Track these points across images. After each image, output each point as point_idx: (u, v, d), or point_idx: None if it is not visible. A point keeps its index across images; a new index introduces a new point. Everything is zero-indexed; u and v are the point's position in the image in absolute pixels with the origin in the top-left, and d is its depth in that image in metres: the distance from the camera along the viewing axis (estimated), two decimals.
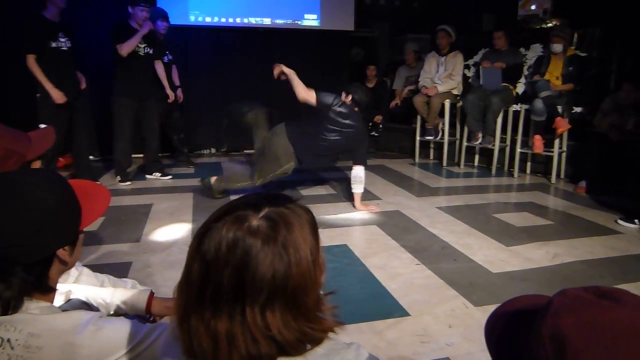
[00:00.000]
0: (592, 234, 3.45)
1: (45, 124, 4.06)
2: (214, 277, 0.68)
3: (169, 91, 5.06)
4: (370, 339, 2.04)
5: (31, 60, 4.05)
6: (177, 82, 5.46)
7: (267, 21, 6.51)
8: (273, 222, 0.71)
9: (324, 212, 3.88)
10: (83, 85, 4.52)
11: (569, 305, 0.59)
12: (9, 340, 0.86)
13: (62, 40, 4.21)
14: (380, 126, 6.67)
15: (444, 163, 5.90)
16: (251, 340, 0.68)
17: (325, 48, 6.85)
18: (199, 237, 0.72)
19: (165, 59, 5.23)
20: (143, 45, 4.69)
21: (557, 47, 4.88)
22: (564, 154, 5.11)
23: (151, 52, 4.77)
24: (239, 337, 0.68)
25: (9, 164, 1.36)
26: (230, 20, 6.38)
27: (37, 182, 0.92)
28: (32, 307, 0.90)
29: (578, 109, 5.25)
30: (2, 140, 1.37)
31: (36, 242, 0.90)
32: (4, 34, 5.05)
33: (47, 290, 0.96)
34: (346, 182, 4.96)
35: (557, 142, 4.96)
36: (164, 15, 5.13)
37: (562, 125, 4.81)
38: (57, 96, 4.12)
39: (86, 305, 1.23)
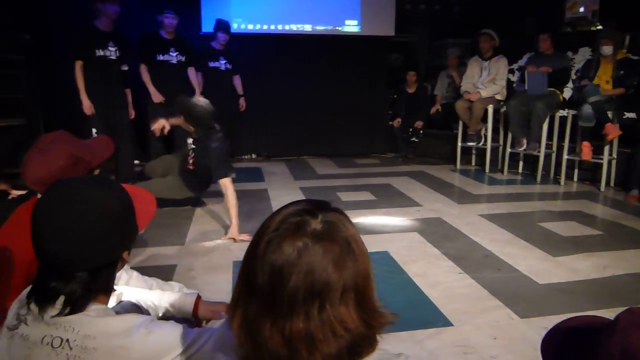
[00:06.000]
0: None
1: (95, 128, 4.25)
2: (287, 284, 0.70)
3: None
4: (411, 349, 2.02)
5: (77, 67, 4.22)
6: (240, 91, 5.61)
7: (307, 27, 6.56)
8: (332, 224, 0.75)
9: (363, 218, 3.88)
10: (130, 112, 4.66)
11: (638, 322, 0.58)
12: (67, 341, 0.90)
13: (112, 49, 4.35)
14: (421, 131, 6.61)
15: (487, 169, 5.78)
16: (332, 336, 0.70)
17: (364, 54, 6.86)
18: (264, 249, 0.73)
19: (223, 67, 5.37)
20: (175, 54, 4.83)
21: (607, 50, 4.70)
22: (614, 161, 4.92)
23: (183, 59, 4.91)
24: (319, 335, 0.70)
25: (77, 171, 1.44)
26: (272, 27, 6.47)
27: (102, 189, 0.97)
28: (89, 308, 0.94)
29: (630, 115, 5.04)
30: (71, 148, 1.44)
31: (106, 246, 0.95)
32: (63, 42, 5.26)
33: (111, 291, 1.01)
34: (384, 188, 4.94)
35: (606, 148, 4.77)
36: (225, 28, 5.29)
37: (613, 131, 4.62)
38: (87, 107, 4.26)
39: (137, 308, 1.27)
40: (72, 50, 4.26)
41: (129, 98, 4.65)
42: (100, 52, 4.30)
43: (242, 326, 0.74)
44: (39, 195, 1.43)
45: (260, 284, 0.72)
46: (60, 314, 0.91)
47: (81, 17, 4.47)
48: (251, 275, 0.73)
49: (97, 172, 1.57)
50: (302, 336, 0.69)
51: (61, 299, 0.91)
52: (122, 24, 4.64)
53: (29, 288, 0.97)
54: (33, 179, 1.41)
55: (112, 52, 4.36)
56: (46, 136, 1.49)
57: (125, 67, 4.52)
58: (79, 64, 4.23)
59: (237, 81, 5.57)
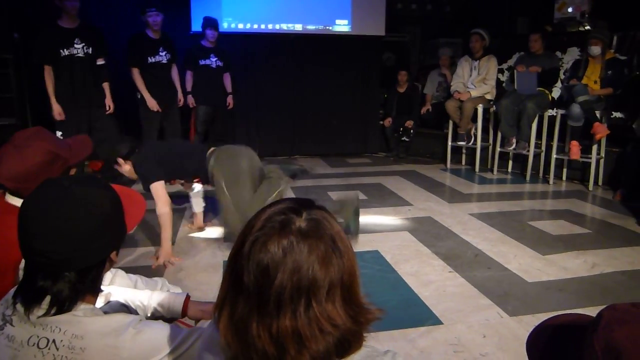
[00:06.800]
0: (633, 244, 3.33)
1: (60, 131, 4.13)
2: (274, 282, 0.70)
3: (180, 95, 5.09)
4: (403, 347, 2.03)
5: (45, 72, 4.12)
6: (229, 89, 5.57)
7: (298, 27, 6.54)
8: (317, 222, 0.75)
9: None
10: (108, 105, 4.46)
11: (620, 318, 0.58)
12: (54, 341, 0.89)
13: (78, 46, 4.20)
14: (412, 131, 6.62)
15: (477, 169, 5.81)
16: (319, 333, 0.70)
17: (356, 53, 6.85)
18: (249, 248, 0.72)
19: (214, 64, 5.34)
20: (164, 53, 4.79)
21: (595, 50, 4.74)
22: (602, 160, 4.97)
23: (170, 57, 4.86)
24: (307, 333, 0.70)
25: (54, 168, 1.41)
26: (262, 26, 6.44)
27: (92, 188, 0.96)
28: (77, 308, 0.93)
29: (617, 114, 5.09)
30: (48, 145, 1.41)
31: (96, 246, 0.94)
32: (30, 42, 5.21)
33: (99, 292, 0.99)
34: (376, 188, 4.95)
35: (595, 148, 4.81)
36: (213, 25, 5.24)
37: (601, 130, 4.66)
38: (57, 112, 4.16)
39: (125, 308, 1.26)
40: (37, 54, 4.15)
41: (107, 91, 4.45)
42: (65, 52, 4.15)
43: (229, 326, 0.73)
44: (7, 196, 1.40)
45: (247, 284, 0.71)
46: (46, 314, 0.90)
47: (48, 15, 4.33)
48: (237, 274, 0.73)
49: (73, 170, 1.54)
50: (290, 334, 0.69)
51: (47, 298, 0.90)
52: (114, 25, 4.58)
53: (14, 288, 0.96)
54: (8, 176, 1.36)
55: (78, 49, 4.20)
56: (22, 132, 1.44)
57: (100, 62, 4.38)
58: (47, 69, 4.12)
59: (227, 79, 5.54)
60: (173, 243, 3.28)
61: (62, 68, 4.18)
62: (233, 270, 0.74)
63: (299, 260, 0.70)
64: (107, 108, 4.46)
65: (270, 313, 0.70)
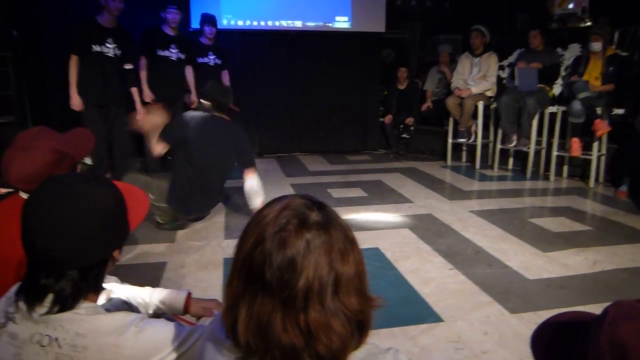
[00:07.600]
0: (635, 241, 3.32)
1: (82, 126, 4.16)
2: (301, 276, 0.70)
3: (193, 97, 5.09)
4: (404, 344, 2.03)
5: (71, 61, 4.13)
6: None
7: (298, 24, 6.53)
8: (329, 215, 0.77)
9: (355, 215, 3.88)
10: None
11: (626, 314, 0.59)
12: (57, 339, 0.89)
13: (110, 46, 4.24)
14: (412, 128, 6.61)
15: (477, 166, 5.80)
16: (345, 318, 0.72)
17: (356, 50, 6.84)
18: (270, 245, 0.72)
19: (212, 62, 5.33)
20: (175, 51, 4.79)
21: (596, 46, 4.73)
22: (603, 157, 4.96)
23: (183, 57, 4.86)
24: (334, 321, 0.71)
25: (63, 167, 1.41)
26: (262, 23, 6.43)
27: (95, 186, 0.95)
28: (79, 306, 0.93)
29: (619, 111, 5.08)
30: (54, 143, 1.41)
31: (99, 245, 0.93)
32: (52, 40, 5.19)
33: (101, 290, 0.99)
34: (376, 185, 4.94)
35: (596, 144, 4.81)
36: (211, 21, 5.23)
37: (602, 127, 4.66)
38: (75, 103, 4.17)
39: (127, 305, 1.26)
40: (69, 44, 4.18)
41: (136, 97, 4.54)
42: (97, 48, 4.19)
43: (248, 325, 0.73)
44: (21, 193, 1.40)
45: (270, 280, 0.71)
46: (49, 312, 0.90)
47: (74, 13, 4.37)
48: (255, 272, 0.73)
49: (79, 167, 1.54)
50: (321, 325, 0.71)
51: (50, 296, 0.90)
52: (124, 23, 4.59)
53: (17, 285, 0.96)
54: (18, 178, 1.37)
55: (110, 48, 4.24)
56: (25, 133, 1.44)
57: (128, 66, 4.43)
58: (74, 59, 4.14)
59: (225, 77, 5.52)
60: (173, 241, 3.29)
61: (91, 62, 4.20)
62: (250, 268, 0.74)
63: (323, 253, 0.72)
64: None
65: (297, 306, 0.70)
